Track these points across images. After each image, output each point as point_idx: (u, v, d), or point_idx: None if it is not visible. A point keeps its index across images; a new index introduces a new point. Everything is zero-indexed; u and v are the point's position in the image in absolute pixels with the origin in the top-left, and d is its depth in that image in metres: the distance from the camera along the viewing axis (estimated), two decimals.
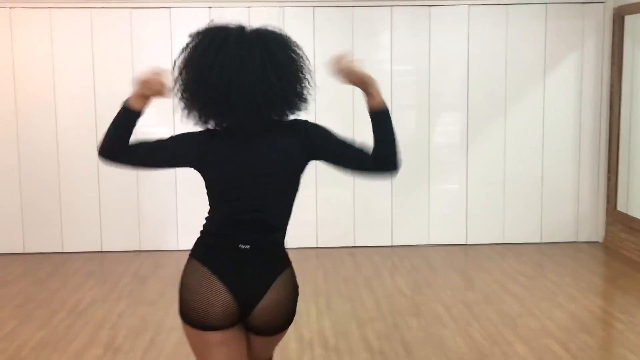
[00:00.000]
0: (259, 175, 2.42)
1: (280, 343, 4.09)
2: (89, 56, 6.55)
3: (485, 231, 6.91)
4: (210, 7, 6.56)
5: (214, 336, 2.43)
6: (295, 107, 2.45)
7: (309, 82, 2.45)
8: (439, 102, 6.79)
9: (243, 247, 2.44)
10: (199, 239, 2.55)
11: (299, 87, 2.42)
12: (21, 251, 6.67)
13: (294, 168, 2.46)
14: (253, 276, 2.43)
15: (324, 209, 6.78)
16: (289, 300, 2.51)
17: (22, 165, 6.62)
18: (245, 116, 2.35)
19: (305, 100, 2.46)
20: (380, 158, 2.42)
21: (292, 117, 2.48)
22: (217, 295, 2.41)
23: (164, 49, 6.56)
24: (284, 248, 2.55)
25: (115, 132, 2.50)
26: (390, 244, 6.86)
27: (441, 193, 6.88)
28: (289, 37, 2.51)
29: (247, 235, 2.44)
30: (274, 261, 2.50)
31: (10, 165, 6.60)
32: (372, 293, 5.40)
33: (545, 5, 6.70)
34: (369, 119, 2.47)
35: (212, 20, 2.56)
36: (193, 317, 2.43)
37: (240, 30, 2.44)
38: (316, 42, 6.54)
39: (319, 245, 6.77)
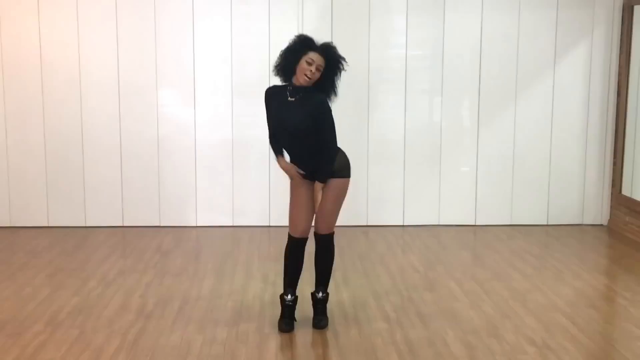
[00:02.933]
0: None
1: (303, 313, 4.37)
2: (114, 38, 6.75)
3: (494, 212, 7.14)
4: None
5: None
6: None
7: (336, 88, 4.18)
8: (451, 87, 7.00)
9: None
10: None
11: (336, 88, 4.18)
12: (46, 224, 6.92)
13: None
14: None
15: None
16: None
17: (48, 142, 6.84)
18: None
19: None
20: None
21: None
22: None
23: (186, 32, 6.77)
24: None
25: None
26: (401, 224, 7.10)
27: (452, 175, 7.11)
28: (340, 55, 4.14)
29: None
30: None
31: (36, 142, 6.83)
32: (387, 269, 5.64)
33: None
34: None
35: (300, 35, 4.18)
36: None
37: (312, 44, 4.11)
38: (334, 27, 6.74)
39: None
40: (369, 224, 7.07)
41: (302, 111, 4.05)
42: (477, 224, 7.15)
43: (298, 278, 4.34)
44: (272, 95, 4.24)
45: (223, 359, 3.90)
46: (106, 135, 6.87)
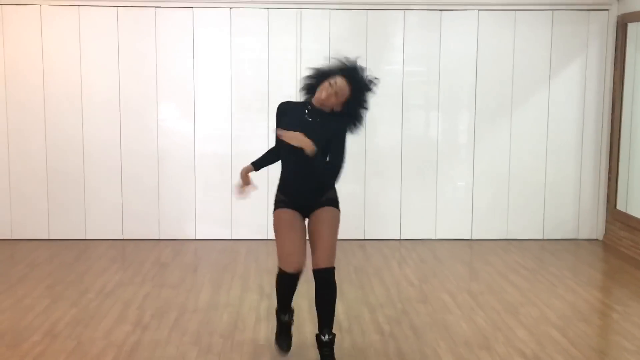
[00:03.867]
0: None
1: (297, 324, 4.43)
2: (115, 52, 6.86)
3: (490, 227, 7.21)
4: (231, 8, 6.86)
5: None
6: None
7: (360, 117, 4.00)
8: (447, 103, 7.08)
9: None
10: None
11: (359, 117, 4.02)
12: (46, 237, 7.00)
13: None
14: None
15: None
16: None
17: (49, 155, 6.93)
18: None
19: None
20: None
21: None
22: None
23: (186, 45, 6.87)
24: None
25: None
26: (398, 237, 7.16)
27: (448, 190, 7.18)
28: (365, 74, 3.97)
29: None
30: None
31: (37, 155, 6.92)
32: (382, 282, 5.70)
33: (551, 11, 6.99)
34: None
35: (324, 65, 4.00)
36: None
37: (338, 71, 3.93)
38: (332, 42, 6.84)
39: None
40: (365, 237, 7.13)
41: (319, 133, 3.81)
42: (473, 238, 7.21)
43: (292, 297, 4.06)
44: (286, 111, 4.00)
45: None
46: (106, 148, 6.95)
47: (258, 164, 4.19)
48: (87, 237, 7.03)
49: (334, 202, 3.98)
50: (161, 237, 7.07)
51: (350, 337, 4.44)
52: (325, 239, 3.85)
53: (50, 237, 7.00)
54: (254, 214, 7.01)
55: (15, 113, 6.88)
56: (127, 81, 6.89)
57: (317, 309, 3.94)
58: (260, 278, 5.74)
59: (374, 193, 7.13)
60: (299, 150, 3.77)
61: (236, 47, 6.92)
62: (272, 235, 7.03)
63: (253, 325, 4.65)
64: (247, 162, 6.99)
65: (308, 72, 4.02)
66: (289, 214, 3.94)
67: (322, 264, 3.82)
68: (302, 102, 4.03)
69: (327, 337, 3.90)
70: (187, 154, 7.01)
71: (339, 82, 3.85)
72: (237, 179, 4.25)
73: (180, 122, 7.01)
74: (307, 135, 3.76)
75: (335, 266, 3.89)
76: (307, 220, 4.03)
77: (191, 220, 7.09)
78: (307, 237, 3.96)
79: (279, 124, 3.96)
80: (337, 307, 4.87)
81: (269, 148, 4.25)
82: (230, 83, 6.94)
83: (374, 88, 4.00)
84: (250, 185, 4.17)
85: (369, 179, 7.09)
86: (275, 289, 4.11)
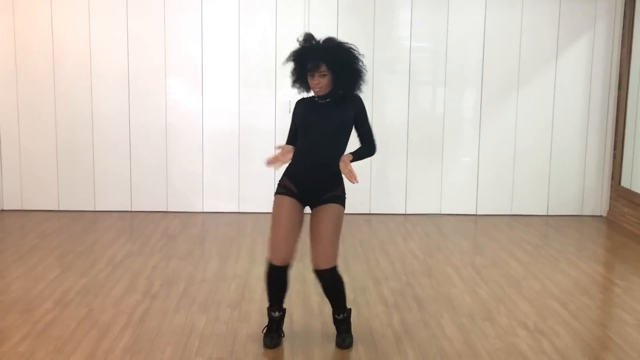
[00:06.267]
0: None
1: (303, 295, 4.50)
2: (124, 28, 6.90)
3: (494, 203, 7.27)
4: None
5: None
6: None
7: (363, 75, 3.83)
8: (454, 79, 7.11)
9: None
10: None
11: (360, 82, 3.85)
12: (56, 208, 7.09)
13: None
14: None
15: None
16: None
17: (58, 128, 7.01)
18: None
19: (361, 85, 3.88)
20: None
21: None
22: None
23: (194, 21, 6.91)
24: None
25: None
26: (404, 212, 7.24)
27: (454, 165, 7.24)
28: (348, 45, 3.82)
29: None
30: None
31: (47, 128, 7.00)
32: (387, 255, 5.78)
33: None
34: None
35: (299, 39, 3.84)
36: None
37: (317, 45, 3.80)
38: (340, 19, 6.86)
39: None
40: (371, 212, 7.20)
41: (337, 111, 3.82)
42: (477, 213, 7.28)
43: (284, 295, 3.98)
44: (301, 106, 3.94)
45: (226, 337, 4.05)
46: (115, 122, 7.02)
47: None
48: (96, 209, 7.12)
49: (339, 200, 3.86)
50: (169, 210, 7.15)
51: (356, 308, 4.52)
52: (326, 239, 3.75)
53: (60, 209, 7.10)
54: (261, 187, 7.08)
55: (26, 88, 6.95)
56: (136, 56, 6.94)
57: (327, 298, 3.99)
58: (266, 250, 5.79)
59: (380, 168, 7.18)
60: (317, 137, 3.79)
61: (244, 22, 6.94)
62: None
63: (260, 295, 4.72)
64: (254, 136, 7.11)
65: (290, 70, 3.91)
66: (288, 203, 3.85)
67: (323, 265, 3.76)
68: (312, 96, 3.93)
69: (341, 316, 3.98)
70: (195, 128, 7.07)
71: (312, 67, 3.74)
72: (271, 154, 3.96)
73: (189, 97, 7.07)
74: (324, 117, 3.80)
75: (342, 240, 3.90)
76: (309, 209, 3.91)
77: (199, 193, 7.17)
78: (308, 231, 3.84)
79: (295, 116, 3.94)
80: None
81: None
82: (238, 59, 6.97)
83: (356, 54, 3.81)
84: (280, 162, 3.92)
85: (376, 155, 7.10)
86: (265, 286, 3.97)
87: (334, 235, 3.77)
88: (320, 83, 3.77)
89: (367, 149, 4.02)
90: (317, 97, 3.87)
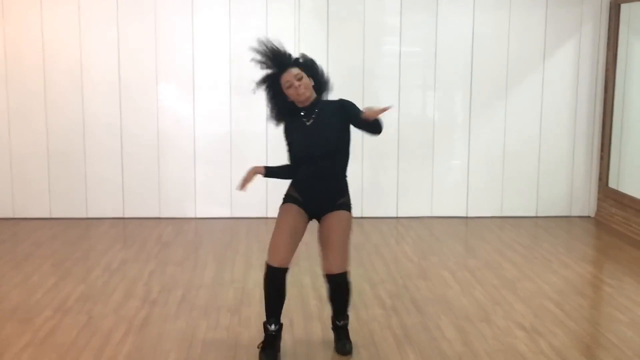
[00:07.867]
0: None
1: (302, 298, 4.55)
2: (115, 33, 6.90)
3: (485, 205, 7.35)
4: None
5: None
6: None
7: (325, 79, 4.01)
8: (444, 83, 7.19)
9: None
10: None
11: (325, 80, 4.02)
12: (48, 216, 7.08)
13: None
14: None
15: None
16: None
17: (50, 135, 6.99)
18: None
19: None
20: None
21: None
22: None
23: (186, 25, 6.93)
24: None
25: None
26: (395, 215, 7.30)
27: (444, 168, 7.31)
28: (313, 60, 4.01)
29: None
30: None
31: (39, 135, 6.98)
32: (382, 259, 5.83)
33: None
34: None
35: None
36: None
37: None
38: (330, 26, 6.91)
39: None
40: (363, 215, 7.26)
41: (327, 122, 3.88)
42: (468, 215, 7.36)
43: (282, 306, 3.90)
44: (291, 125, 3.97)
45: (227, 343, 4.08)
46: (107, 128, 7.02)
47: (270, 173, 4.03)
48: (89, 216, 7.11)
49: (347, 206, 3.94)
50: (162, 216, 7.16)
51: (354, 311, 4.56)
52: (337, 244, 3.82)
53: (52, 216, 7.08)
54: (254, 192, 7.05)
55: (16, 93, 6.93)
56: (127, 61, 6.94)
57: (330, 303, 4.01)
58: (262, 255, 5.79)
59: (371, 172, 7.24)
60: (318, 155, 3.84)
61: (235, 27, 6.98)
62: (271, 214, 7.16)
63: (259, 300, 4.75)
64: (246, 141, 7.15)
65: (268, 102, 4.02)
66: (294, 211, 3.91)
67: (336, 270, 3.82)
68: (292, 110, 3.97)
69: (342, 322, 4.03)
70: (187, 133, 7.09)
71: (287, 76, 3.85)
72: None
73: (180, 103, 7.08)
74: (320, 132, 3.85)
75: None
76: (317, 222, 3.96)
77: (191, 198, 7.18)
78: (318, 241, 3.92)
79: (289, 138, 3.97)
80: None
81: (287, 163, 4.02)
82: (230, 63, 7.00)
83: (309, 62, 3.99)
84: (249, 185, 4.02)
85: (367, 158, 7.19)
86: (263, 291, 3.89)
87: (345, 241, 3.85)
88: (302, 84, 3.82)
89: (377, 125, 3.87)
90: (303, 112, 3.89)
